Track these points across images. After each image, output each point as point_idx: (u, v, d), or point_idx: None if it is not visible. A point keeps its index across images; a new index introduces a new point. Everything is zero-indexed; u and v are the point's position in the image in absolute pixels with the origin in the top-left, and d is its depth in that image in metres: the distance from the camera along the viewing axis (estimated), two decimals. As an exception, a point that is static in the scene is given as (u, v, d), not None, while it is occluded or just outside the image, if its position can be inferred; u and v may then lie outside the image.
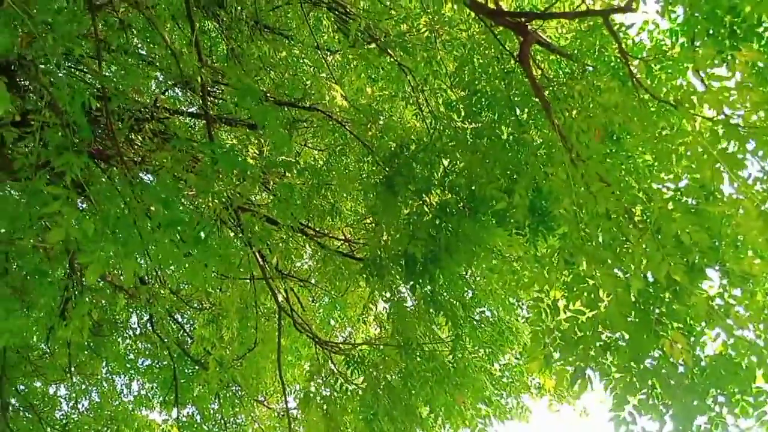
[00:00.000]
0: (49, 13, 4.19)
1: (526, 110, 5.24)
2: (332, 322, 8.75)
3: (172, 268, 7.70)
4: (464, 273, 5.48)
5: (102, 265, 3.18)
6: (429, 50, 5.50)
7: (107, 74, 5.86)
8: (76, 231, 3.26)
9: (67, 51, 4.30)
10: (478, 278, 5.54)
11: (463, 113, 5.42)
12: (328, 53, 7.85)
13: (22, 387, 8.02)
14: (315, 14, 7.86)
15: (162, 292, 6.28)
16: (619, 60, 4.84)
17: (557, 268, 4.37)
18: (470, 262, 5.18)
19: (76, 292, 5.02)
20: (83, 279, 5.79)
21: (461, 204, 5.13)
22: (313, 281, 8.31)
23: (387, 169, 5.62)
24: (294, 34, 7.79)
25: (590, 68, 5.19)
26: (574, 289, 4.12)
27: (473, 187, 4.96)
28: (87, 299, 4.74)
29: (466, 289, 5.47)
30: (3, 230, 3.37)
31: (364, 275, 5.47)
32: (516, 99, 5.24)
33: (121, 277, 6.24)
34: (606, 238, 4.03)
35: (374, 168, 6.38)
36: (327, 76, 7.52)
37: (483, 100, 5.28)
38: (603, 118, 4.43)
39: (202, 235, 4.63)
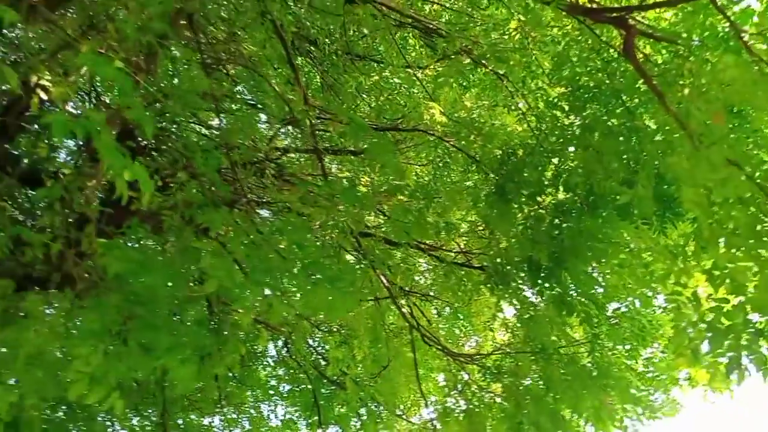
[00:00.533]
0: (171, 80, 4.62)
1: (634, 98, 5.08)
2: (457, 332, 8.81)
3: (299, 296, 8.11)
4: (592, 271, 5.38)
5: (252, 309, 3.45)
6: (523, 53, 5.49)
7: (222, 125, 6.32)
8: (228, 280, 3.56)
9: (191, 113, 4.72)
10: (607, 275, 5.41)
11: (567, 109, 5.35)
12: (419, 70, 7.99)
13: (180, 421, 8.68)
14: (401, 35, 8.04)
15: (295, 321, 6.61)
16: (728, 32, 4.60)
17: (693, 256, 4.20)
18: (597, 260, 5.08)
19: (225, 332, 5.41)
20: (228, 318, 6.25)
21: (579, 202, 5.06)
22: (432, 294, 8.44)
23: (496, 177, 5.64)
24: (383, 58, 8.00)
25: (697, 42, 4.95)
26: (716, 277, 3.96)
27: (590, 184, 4.87)
28: (236, 338, 5.10)
29: (596, 287, 5.36)
30: (165, 286, 3.72)
31: (488, 285, 5.51)
32: (621, 88, 5.10)
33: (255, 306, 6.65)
34: (742, 221, 3.83)
35: (480, 177, 6.41)
36: (421, 93, 7.66)
37: (586, 94, 5.19)
38: (721, 94, 4.23)
39: (323, 263, 4.86)
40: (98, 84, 6.71)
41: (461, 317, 8.55)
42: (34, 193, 6.66)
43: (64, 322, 3.53)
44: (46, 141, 7.97)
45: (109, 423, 8.37)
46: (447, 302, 8.13)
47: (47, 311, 5.48)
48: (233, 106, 7.30)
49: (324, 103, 7.31)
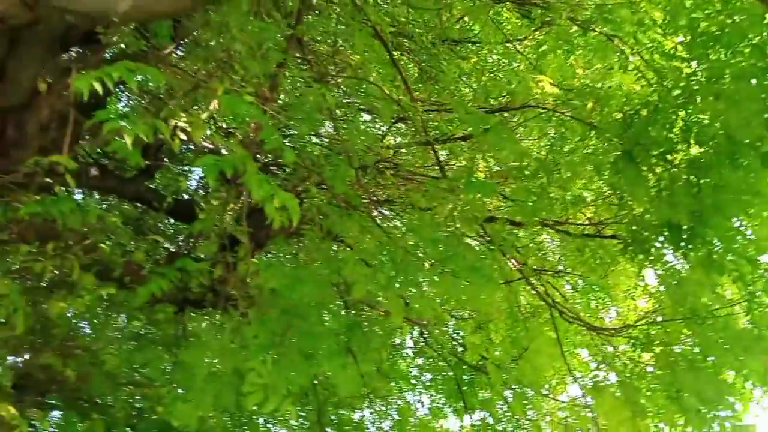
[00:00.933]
0: (292, 101, 4.86)
1: (763, 34, 4.70)
2: (594, 305, 8.58)
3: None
4: (740, 226, 5.04)
5: (401, 310, 3.58)
6: (632, 7, 5.23)
7: (336, 133, 6.55)
8: (371, 284, 3.72)
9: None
10: (756, 227, 5.05)
11: (687, 57, 5.05)
12: (518, 42, 7.81)
13: (333, 417, 9.11)
14: (494, 10, 7.89)
15: (436, 313, 6.73)
16: None
17: None
18: (744, 213, 4.77)
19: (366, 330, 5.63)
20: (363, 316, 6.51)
21: (716, 154, 4.76)
22: (563, 269, 8.26)
23: (620, 141, 5.42)
24: (479, 37, 7.90)
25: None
26: None
27: (726, 133, 4.58)
28: (378, 335, 5.30)
29: (745, 242, 5.02)
30: (314, 295, 3.95)
31: (627, 255, 5.33)
32: (746, 26, 4.74)
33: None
34: None
35: (599, 143, 6.18)
36: (524, 65, 7.49)
37: (708, 40, 4.86)
38: None
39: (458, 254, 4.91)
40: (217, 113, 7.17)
41: (596, 289, 8.31)
42: (178, 223, 7.26)
43: (233, 339, 3.85)
44: (179, 170, 8.62)
45: (270, 425, 8.99)
46: (580, 276, 7.93)
47: (211, 330, 5.95)
48: (339, 111, 7.52)
49: (427, 95, 7.37)
